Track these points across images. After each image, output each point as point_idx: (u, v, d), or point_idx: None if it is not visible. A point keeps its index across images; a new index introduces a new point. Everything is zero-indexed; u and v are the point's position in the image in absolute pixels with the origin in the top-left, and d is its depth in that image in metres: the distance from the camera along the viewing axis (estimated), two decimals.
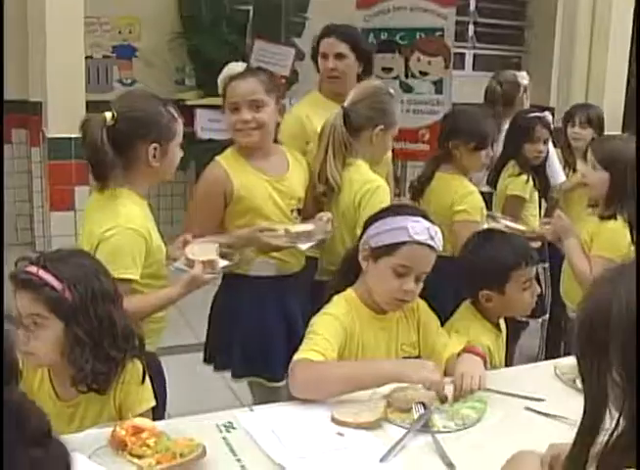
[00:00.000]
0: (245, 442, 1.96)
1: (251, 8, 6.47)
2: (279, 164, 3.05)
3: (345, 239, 3.00)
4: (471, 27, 7.86)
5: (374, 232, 2.38)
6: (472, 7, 7.85)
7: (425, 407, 2.11)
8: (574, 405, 2.20)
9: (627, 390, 1.25)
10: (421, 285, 2.38)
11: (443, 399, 2.17)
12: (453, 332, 2.56)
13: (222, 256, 2.65)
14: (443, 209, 3.36)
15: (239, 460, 1.87)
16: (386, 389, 2.18)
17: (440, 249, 2.37)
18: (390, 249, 2.32)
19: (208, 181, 2.97)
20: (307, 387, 2.14)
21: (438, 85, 5.99)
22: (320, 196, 3.06)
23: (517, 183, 4.15)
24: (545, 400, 2.25)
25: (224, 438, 1.97)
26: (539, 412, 2.19)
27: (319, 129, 3.15)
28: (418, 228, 2.30)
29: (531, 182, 4.16)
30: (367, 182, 3.03)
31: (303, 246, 2.87)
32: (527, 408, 2.21)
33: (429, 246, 2.32)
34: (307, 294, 3.01)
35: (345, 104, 3.08)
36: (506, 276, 2.61)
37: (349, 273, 2.47)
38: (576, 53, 6.15)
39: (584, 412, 1.34)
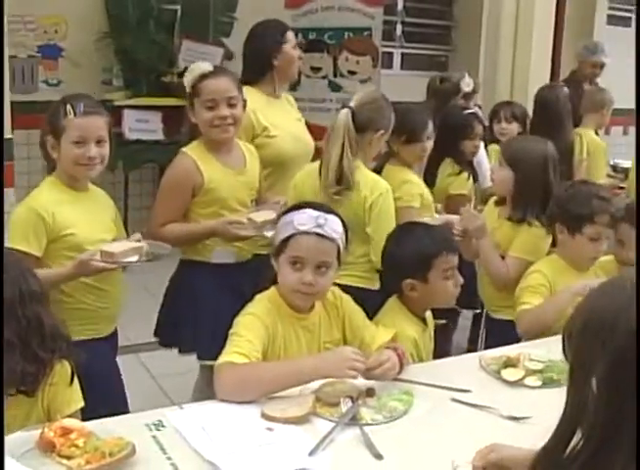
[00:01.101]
0: (174, 440, 1.96)
1: (178, 7, 6.44)
2: (239, 157, 3.23)
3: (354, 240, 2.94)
4: (399, 27, 7.94)
5: (273, 232, 2.45)
6: (399, 7, 7.94)
7: (353, 401, 2.14)
8: (499, 396, 2.31)
9: (599, 407, 1.26)
10: (329, 275, 2.38)
11: (371, 393, 2.20)
12: (380, 326, 2.60)
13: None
14: None
15: (169, 458, 1.87)
16: (315, 384, 2.20)
17: (337, 235, 2.37)
18: (283, 244, 2.36)
19: (178, 173, 3.10)
20: (233, 390, 2.15)
21: (367, 84, 6.05)
22: (332, 195, 3.07)
23: (459, 181, 4.23)
24: (471, 391, 2.30)
25: (154, 436, 1.97)
26: (465, 403, 2.24)
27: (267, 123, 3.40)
28: (302, 219, 2.32)
29: (472, 180, 4.24)
30: (377, 183, 3.12)
31: (269, 233, 2.92)
32: (454, 399, 2.26)
33: (316, 234, 2.32)
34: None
35: (352, 104, 3.11)
36: (428, 264, 2.66)
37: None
38: (501, 52, 6.27)
39: (563, 414, 1.34)
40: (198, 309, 3.12)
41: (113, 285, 2.81)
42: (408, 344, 2.59)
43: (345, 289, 2.61)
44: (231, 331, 2.30)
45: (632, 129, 8.52)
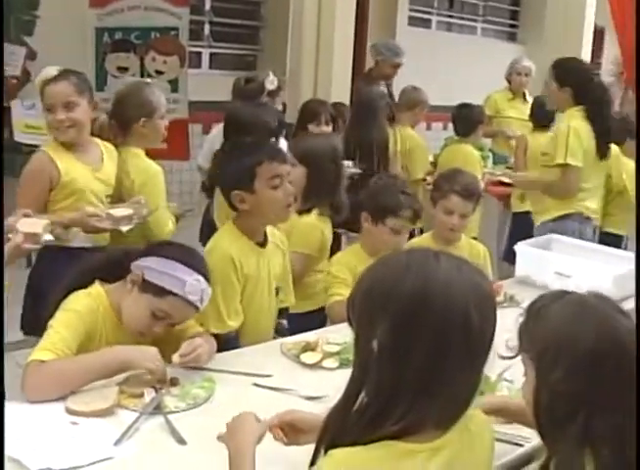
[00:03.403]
0: None
1: None
2: (96, 155, 3.46)
3: None
4: (207, 27, 7.97)
5: (153, 266, 2.38)
6: (207, 6, 7.97)
7: (156, 391, 2.21)
8: (299, 378, 2.44)
9: (380, 366, 1.41)
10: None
11: (175, 382, 2.28)
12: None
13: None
14: None
15: None
16: (121, 376, 2.26)
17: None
18: (159, 292, 2.36)
19: (35, 167, 3.33)
20: (41, 390, 2.15)
21: (174, 84, 6.10)
22: None
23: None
24: (272, 376, 2.43)
25: None
26: (266, 387, 2.36)
27: None
28: (194, 289, 2.37)
29: None
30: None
31: (124, 228, 3.25)
32: (256, 384, 2.38)
33: (195, 306, 2.41)
34: None
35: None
36: (252, 173, 2.74)
37: (113, 274, 2.50)
38: (304, 51, 6.45)
39: (351, 375, 1.48)
40: (57, 294, 3.10)
41: None
42: (226, 263, 2.72)
43: None
44: (48, 324, 2.31)
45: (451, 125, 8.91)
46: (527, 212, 5.13)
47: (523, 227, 5.04)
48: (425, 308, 1.40)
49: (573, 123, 4.34)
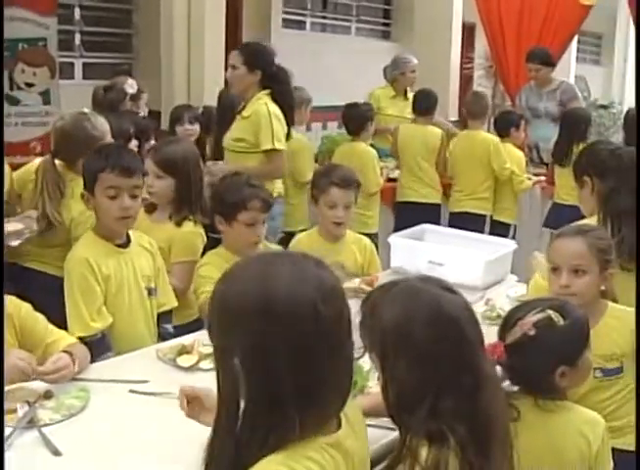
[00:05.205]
0: None
1: None
2: None
3: None
4: (77, 36, 7.85)
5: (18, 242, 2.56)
6: (77, 15, 7.84)
7: (30, 405, 2.20)
8: (177, 382, 2.44)
9: (249, 378, 1.39)
10: None
11: (49, 395, 2.27)
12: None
13: None
14: None
15: None
16: None
17: None
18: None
19: None
20: None
21: (46, 96, 6.00)
22: None
23: None
24: (149, 381, 2.44)
25: None
26: (143, 393, 2.37)
27: None
28: None
29: None
30: None
31: (14, 243, 3.23)
32: (132, 391, 2.38)
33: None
34: None
35: None
36: (94, 177, 2.84)
37: None
38: (176, 57, 6.46)
39: (222, 391, 1.45)
40: None
41: None
42: (82, 266, 2.77)
43: None
44: None
45: (330, 124, 9.04)
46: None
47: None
48: (272, 318, 1.39)
49: None
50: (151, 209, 3.47)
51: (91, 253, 2.82)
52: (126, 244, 2.93)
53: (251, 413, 1.41)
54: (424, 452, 1.56)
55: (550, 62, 6.97)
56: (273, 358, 1.38)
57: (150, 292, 2.96)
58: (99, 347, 2.70)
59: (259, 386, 1.40)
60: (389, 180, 6.27)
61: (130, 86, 5.07)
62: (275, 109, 4.44)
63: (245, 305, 1.40)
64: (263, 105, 4.43)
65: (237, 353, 1.40)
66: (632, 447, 2.57)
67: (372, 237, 4.41)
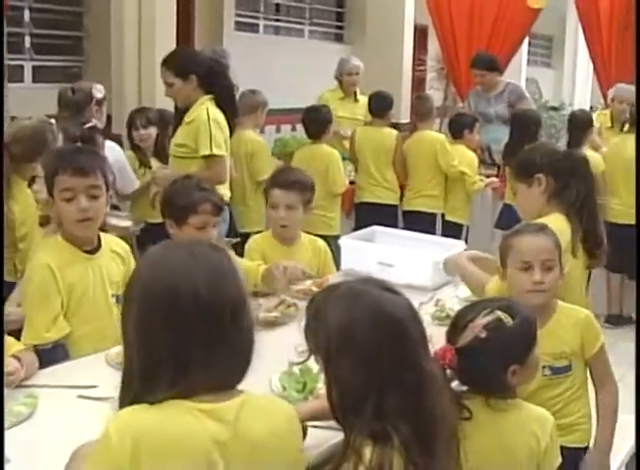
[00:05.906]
0: None
1: None
2: None
3: None
4: (27, 39, 7.75)
5: None
6: (26, 18, 7.75)
7: None
8: None
9: (139, 343, 1.57)
10: None
11: None
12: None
13: None
14: None
15: None
16: None
17: None
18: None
19: None
20: None
21: None
22: None
23: None
24: (97, 386, 2.41)
25: None
26: (92, 398, 2.36)
27: None
28: None
29: None
30: None
31: None
32: (80, 396, 2.37)
33: None
34: None
35: None
36: (52, 181, 2.79)
37: None
38: (126, 60, 6.42)
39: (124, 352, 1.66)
40: None
41: None
42: (43, 272, 2.73)
43: None
44: None
45: (284, 127, 9.10)
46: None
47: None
48: (154, 296, 1.56)
49: None
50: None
51: (54, 259, 2.75)
52: (96, 249, 2.87)
53: (138, 370, 1.57)
54: (368, 452, 1.57)
55: (494, 67, 7.06)
56: (153, 333, 1.54)
57: (117, 299, 2.88)
58: (51, 356, 2.66)
59: (144, 352, 1.56)
60: (349, 183, 6.31)
61: (99, 91, 5.03)
62: (216, 113, 4.43)
63: (136, 282, 1.62)
64: (204, 110, 4.41)
65: (131, 322, 1.59)
66: (580, 445, 2.64)
67: (335, 239, 4.42)
